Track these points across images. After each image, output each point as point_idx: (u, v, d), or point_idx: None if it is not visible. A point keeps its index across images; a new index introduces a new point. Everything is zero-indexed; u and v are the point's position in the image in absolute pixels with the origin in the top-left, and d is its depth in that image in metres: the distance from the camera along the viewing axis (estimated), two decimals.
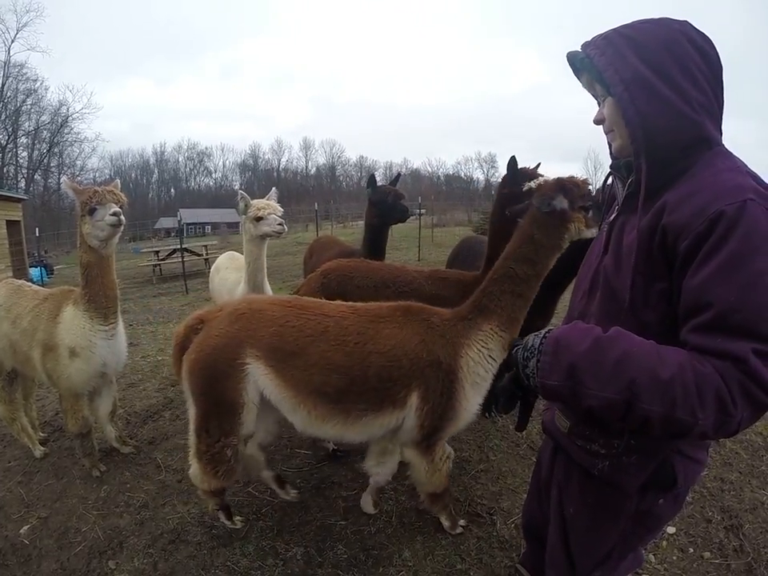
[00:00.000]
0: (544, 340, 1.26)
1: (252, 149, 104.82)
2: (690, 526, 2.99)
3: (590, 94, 1.46)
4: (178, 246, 14.11)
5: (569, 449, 1.53)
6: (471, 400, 2.26)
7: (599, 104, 1.42)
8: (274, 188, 4.04)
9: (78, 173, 45.76)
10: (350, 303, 2.47)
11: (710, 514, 3.09)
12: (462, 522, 2.89)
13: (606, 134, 1.43)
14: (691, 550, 2.81)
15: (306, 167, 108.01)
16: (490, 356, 2.19)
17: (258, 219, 3.64)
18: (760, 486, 3.41)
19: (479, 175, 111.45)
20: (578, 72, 1.43)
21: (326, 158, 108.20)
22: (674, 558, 2.75)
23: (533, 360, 1.27)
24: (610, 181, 1.58)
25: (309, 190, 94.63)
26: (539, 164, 3.18)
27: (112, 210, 2.93)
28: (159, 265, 15.00)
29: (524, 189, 2.62)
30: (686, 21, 1.28)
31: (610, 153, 1.47)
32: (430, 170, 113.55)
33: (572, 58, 1.40)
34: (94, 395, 3.48)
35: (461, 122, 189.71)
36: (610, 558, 1.57)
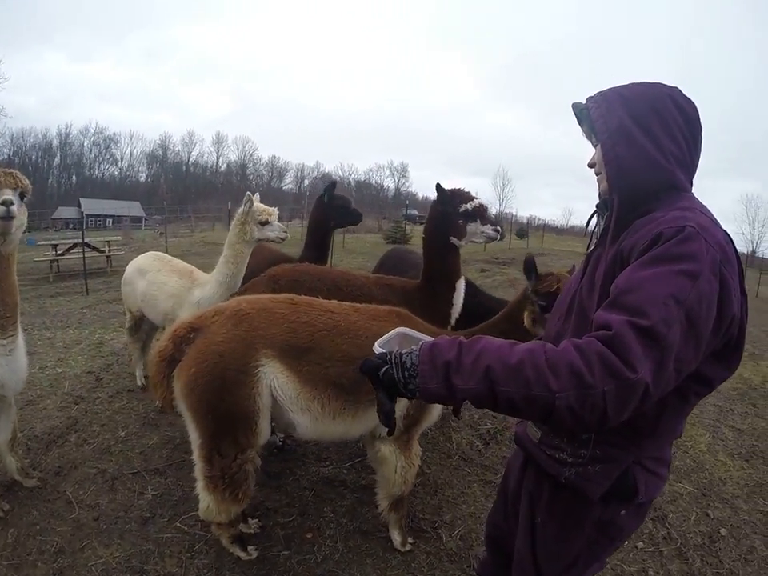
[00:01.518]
0: (417, 353, 1.30)
1: (162, 139, 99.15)
2: None
3: (589, 141, 1.63)
4: (79, 240, 12.85)
5: (539, 458, 1.59)
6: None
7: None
8: (257, 193, 4.00)
9: None
10: (347, 303, 2.58)
11: None
12: (410, 539, 2.86)
13: (596, 176, 1.58)
14: (626, 542, 2.95)
15: (217, 163, 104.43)
16: None
17: (264, 223, 3.79)
18: (676, 479, 3.85)
19: (390, 183, 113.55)
20: (579, 121, 1.62)
21: (237, 154, 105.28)
22: None
23: (408, 364, 1.30)
24: (594, 219, 1.71)
25: (218, 187, 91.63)
26: (481, 203, 3.43)
27: (2, 199, 2.44)
28: (57, 260, 13.56)
29: (461, 210, 3.23)
30: (676, 87, 1.46)
31: (599, 194, 1.61)
32: (341, 174, 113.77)
33: (575, 109, 1.60)
34: None
35: (377, 130, 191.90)
36: (576, 566, 1.63)
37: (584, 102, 1.55)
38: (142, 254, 4.89)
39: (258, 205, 3.82)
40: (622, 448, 1.41)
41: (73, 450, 3.75)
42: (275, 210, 3.90)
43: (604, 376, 1.10)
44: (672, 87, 1.45)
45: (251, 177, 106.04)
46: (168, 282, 4.19)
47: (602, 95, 1.49)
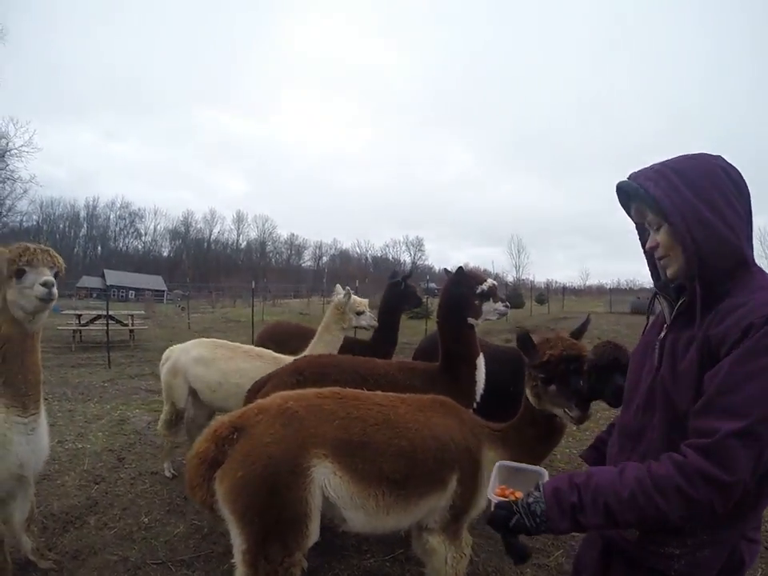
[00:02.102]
0: (542, 501, 1.42)
1: (185, 216, 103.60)
2: None
3: (634, 221, 1.64)
4: (103, 312, 12.96)
5: (639, 555, 1.56)
6: (485, 490, 2.31)
7: (641, 231, 1.65)
8: (347, 287, 4.64)
9: (5, 213, 42.19)
10: (392, 394, 2.59)
11: None
12: None
13: (659, 259, 1.55)
14: None
15: (237, 240, 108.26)
16: None
17: (360, 313, 4.57)
18: None
19: (406, 258, 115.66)
20: (626, 201, 1.60)
21: (257, 232, 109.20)
22: None
23: (537, 512, 1.42)
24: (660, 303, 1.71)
25: (238, 264, 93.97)
26: (494, 282, 3.62)
27: (43, 279, 2.41)
28: (80, 330, 13.67)
29: (477, 291, 3.39)
30: (720, 156, 1.48)
31: (656, 276, 1.65)
32: (358, 251, 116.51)
33: (625, 187, 1.55)
34: (8, 499, 2.76)
35: (391, 207, 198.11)
36: None
37: (629, 179, 1.53)
38: (189, 343, 4.74)
39: (354, 297, 4.49)
40: (729, 527, 1.40)
41: (92, 533, 3.48)
42: (366, 302, 4.70)
43: (706, 489, 1.23)
44: (717, 157, 1.47)
45: (270, 254, 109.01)
46: (250, 368, 4.08)
47: (658, 173, 1.47)
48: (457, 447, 2.33)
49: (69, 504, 3.86)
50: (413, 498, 2.26)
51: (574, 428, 6.61)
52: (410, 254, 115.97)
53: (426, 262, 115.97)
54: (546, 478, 1.70)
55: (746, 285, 1.37)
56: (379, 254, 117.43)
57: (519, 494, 1.63)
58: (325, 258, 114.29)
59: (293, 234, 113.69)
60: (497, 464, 1.85)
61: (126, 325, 14.44)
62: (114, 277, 61.05)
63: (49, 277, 2.44)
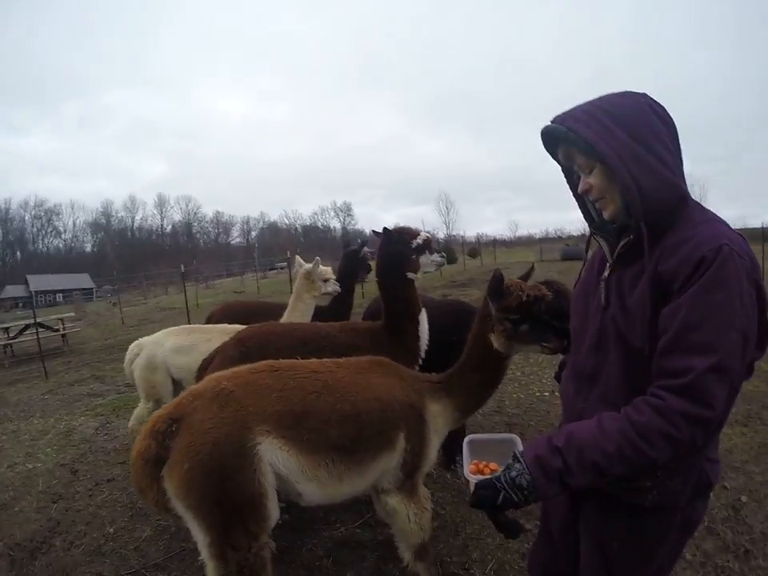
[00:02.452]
0: (527, 472, 1.39)
1: (104, 206, 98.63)
2: None
3: (561, 164, 1.62)
4: (31, 321, 12.21)
5: (611, 493, 1.57)
6: (434, 445, 2.47)
7: (568, 175, 1.63)
8: (317, 258, 4.84)
9: None
10: (328, 360, 2.52)
11: None
12: None
13: (594, 202, 1.55)
14: None
15: (162, 225, 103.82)
16: (447, 418, 2.51)
17: (326, 280, 4.82)
18: None
19: (336, 224, 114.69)
20: (552, 145, 1.57)
21: (182, 214, 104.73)
22: None
23: (524, 485, 1.39)
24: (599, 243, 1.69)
25: (165, 249, 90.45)
26: (428, 235, 3.66)
27: None
28: (11, 344, 12.90)
29: (413, 246, 3.42)
30: (645, 93, 1.47)
31: (589, 219, 1.64)
32: (287, 221, 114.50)
33: (552, 131, 1.51)
34: None
35: (316, 174, 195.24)
36: (663, 571, 1.67)
37: (555, 122, 1.49)
38: (158, 334, 4.64)
39: (321, 267, 4.77)
40: (695, 453, 1.44)
41: (60, 555, 3.43)
42: (330, 269, 4.98)
43: (690, 429, 1.27)
44: (644, 94, 1.47)
45: (198, 235, 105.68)
46: None
47: (586, 113, 1.44)
48: (400, 405, 2.33)
49: (31, 530, 3.78)
50: (364, 462, 2.24)
51: (518, 373, 7.01)
52: (340, 220, 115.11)
53: (357, 227, 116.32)
54: (519, 444, 1.70)
55: (688, 219, 1.40)
56: (308, 223, 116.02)
57: (494, 466, 1.63)
58: (254, 233, 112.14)
59: (218, 212, 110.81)
60: (465, 439, 1.83)
61: (57, 330, 13.72)
62: (37, 282, 58.00)
63: None
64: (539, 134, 1.56)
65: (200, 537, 2.04)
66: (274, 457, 2.05)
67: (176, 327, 4.75)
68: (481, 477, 1.53)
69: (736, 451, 4.03)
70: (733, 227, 1.42)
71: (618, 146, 1.37)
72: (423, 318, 3.51)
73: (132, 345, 4.73)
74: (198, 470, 1.94)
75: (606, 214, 1.53)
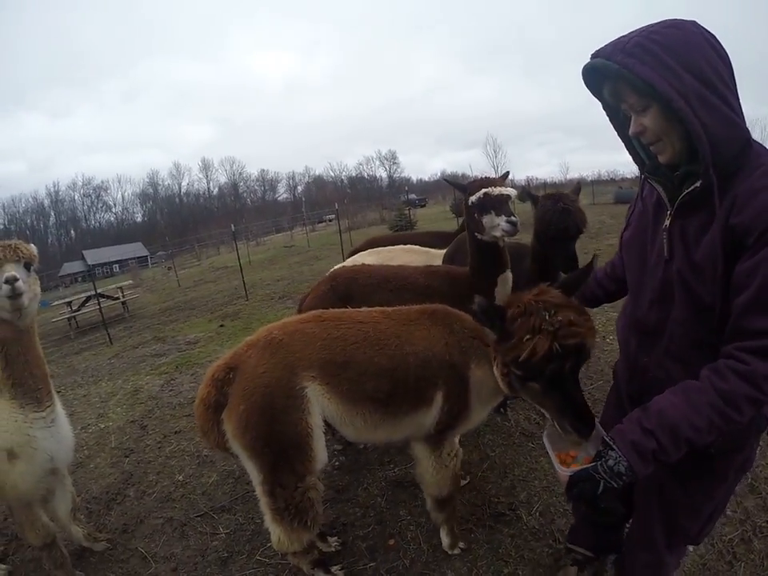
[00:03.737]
0: (623, 458, 1.37)
1: (150, 176, 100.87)
2: None
3: (605, 103, 1.49)
4: (92, 293, 12.83)
5: None
6: (477, 411, 2.38)
7: (612, 116, 1.52)
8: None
9: None
10: (378, 308, 2.50)
11: None
12: (461, 544, 2.75)
13: (649, 145, 1.43)
14: None
15: (209, 188, 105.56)
16: (493, 388, 2.18)
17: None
18: None
19: (382, 173, 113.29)
20: (596, 82, 1.43)
21: (227, 176, 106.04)
22: None
23: (623, 471, 1.38)
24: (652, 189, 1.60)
25: (214, 212, 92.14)
26: (507, 173, 3.27)
27: (4, 277, 2.37)
28: (75, 317, 13.63)
29: (470, 203, 2.97)
30: (695, 21, 1.32)
31: (640, 161, 1.56)
32: (332, 174, 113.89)
33: (601, 68, 1.35)
34: (48, 496, 2.91)
35: (362, 126, 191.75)
36: (717, 510, 1.72)
37: (601, 57, 1.33)
38: (348, 261, 4.62)
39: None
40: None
41: (134, 504, 3.71)
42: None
43: None
44: (697, 24, 1.32)
45: (244, 194, 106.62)
46: (417, 260, 4.15)
47: (639, 47, 1.28)
48: (439, 363, 2.26)
49: (106, 483, 4.08)
50: (399, 415, 2.29)
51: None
52: (386, 169, 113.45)
53: (403, 175, 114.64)
54: (601, 428, 1.57)
55: (756, 164, 1.30)
56: (354, 174, 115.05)
57: (574, 453, 1.60)
58: (300, 188, 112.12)
59: (263, 170, 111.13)
60: (544, 435, 1.70)
61: (117, 298, 14.40)
62: (94, 255, 60.07)
63: (9, 273, 2.39)
64: (581, 71, 1.42)
65: (254, 475, 2.21)
66: (320, 400, 2.17)
67: (362, 252, 4.77)
68: (575, 469, 1.47)
69: None
70: None
71: (681, 86, 1.24)
72: (505, 278, 3.15)
73: (334, 268, 4.69)
74: (252, 410, 2.09)
75: (662, 158, 1.43)
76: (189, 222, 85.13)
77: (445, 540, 2.71)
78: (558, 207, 2.92)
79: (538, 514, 2.94)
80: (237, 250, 15.50)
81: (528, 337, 1.55)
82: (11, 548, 3.37)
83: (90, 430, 5.39)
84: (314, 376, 2.15)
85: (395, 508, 3.14)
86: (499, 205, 2.87)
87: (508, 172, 3.23)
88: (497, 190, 2.89)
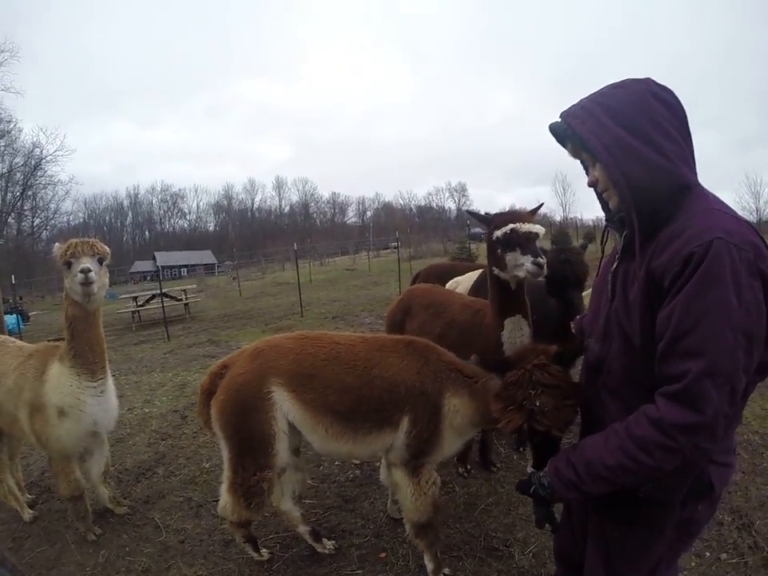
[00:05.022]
0: (546, 477, 1.60)
1: (226, 189, 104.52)
2: (704, 531, 2.92)
3: (576, 159, 1.59)
4: (157, 291, 13.79)
5: None
6: (451, 438, 2.49)
7: (586, 168, 1.57)
8: None
9: (51, 216, 45.15)
10: (361, 334, 2.74)
11: (721, 516, 3.14)
12: (446, 571, 2.77)
13: (601, 194, 1.54)
14: (708, 554, 2.86)
15: (280, 206, 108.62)
16: (468, 418, 2.43)
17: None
18: (764, 482, 3.52)
19: (451, 204, 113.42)
20: (561, 140, 1.56)
21: (299, 195, 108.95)
22: (693, 564, 2.80)
23: (546, 484, 1.60)
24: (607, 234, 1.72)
25: (283, 229, 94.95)
26: (541, 204, 3.07)
27: (80, 267, 2.80)
28: (138, 311, 14.61)
29: (494, 238, 2.76)
30: (648, 78, 1.42)
31: (606, 209, 1.60)
32: (402, 202, 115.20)
33: (555, 129, 1.53)
34: (86, 455, 3.30)
35: (434, 155, 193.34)
36: (659, 570, 1.65)
37: (560, 117, 1.49)
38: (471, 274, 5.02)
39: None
40: (704, 457, 1.40)
41: (161, 481, 4.03)
42: None
43: (686, 436, 1.26)
44: (646, 80, 1.41)
45: (314, 215, 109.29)
46: None
47: (583, 109, 1.43)
48: (408, 389, 2.41)
49: (140, 459, 4.44)
50: (360, 431, 2.46)
51: None
52: (455, 201, 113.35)
53: (472, 207, 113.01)
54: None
55: (687, 209, 1.33)
56: (423, 203, 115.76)
57: None
58: (369, 213, 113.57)
59: (334, 193, 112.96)
60: None
61: (180, 300, 15.28)
62: (164, 257, 63.58)
63: (85, 264, 2.82)
64: (548, 129, 1.57)
65: (224, 452, 2.59)
66: (285, 405, 2.48)
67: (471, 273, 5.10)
68: (531, 470, 1.72)
69: None
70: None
71: (610, 142, 1.35)
72: (513, 325, 2.92)
73: (450, 282, 5.16)
74: (228, 401, 2.50)
75: (611, 205, 1.52)
76: (258, 236, 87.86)
77: (428, 565, 2.71)
78: (560, 258, 3.12)
79: (531, 554, 2.92)
80: (297, 267, 16.13)
81: (510, 408, 1.69)
82: (41, 498, 3.82)
83: (135, 413, 5.82)
84: (281, 383, 2.47)
85: (394, 525, 3.25)
86: (526, 243, 2.65)
87: (541, 204, 3.03)
88: (525, 227, 2.65)
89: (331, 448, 2.59)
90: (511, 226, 2.67)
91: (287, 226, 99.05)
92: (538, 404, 1.63)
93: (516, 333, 2.91)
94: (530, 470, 1.74)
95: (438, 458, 2.56)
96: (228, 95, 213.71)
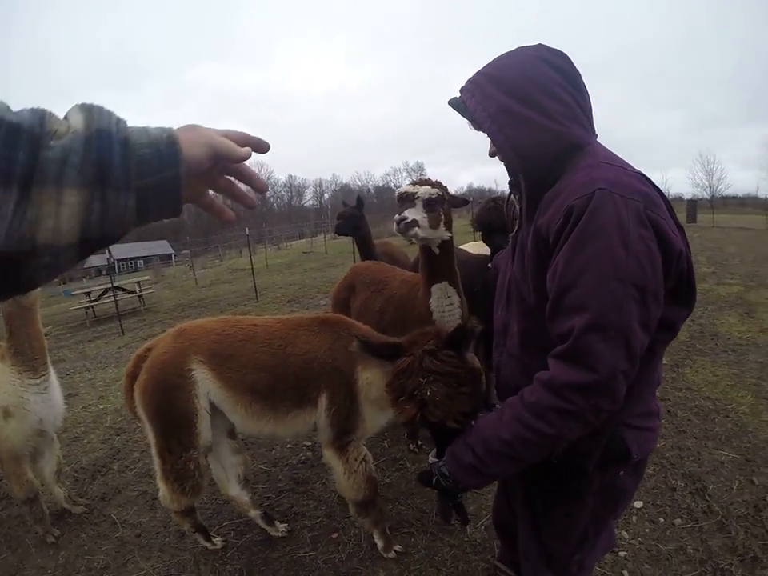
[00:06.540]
0: (446, 465, 1.49)
1: None
2: (656, 497, 3.15)
3: (480, 132, 1.53)
4: (110, 285, 13.53)
5: None
6: (371, 412, 2.49)
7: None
8: None
9: None
10: (280, 316, 2.76)
11: (674, 482, 3.27)
12: (397, 548, 2.84)
13: (503, 162, 1.51)
14: (662, 520, 2.94)
15: None
16: (382, 390, 2.07)
17: None
18: (716, 446, 3.65)
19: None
20: (464, 115, 1.51)
21: None
22: (647, 530, 2.87)
23: (446, 474, 1.49)
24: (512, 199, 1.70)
25: (239, 214, 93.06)
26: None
27: None
28: (92, 306, 14.19)
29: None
30: (539, 44, 1.40)
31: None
32: (359, 183, 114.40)
33: (453, 105, 1.49)
34: (36, 456, 3.28)
35: (396, 137, 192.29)
36: (587, 539, 1.65)
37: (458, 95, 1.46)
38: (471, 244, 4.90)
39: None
40: (608, 418, 1.33)
41: (116, 476, 4.04)
42: None
43: (581, 396, 1.19)
44: (536, 47, 1.39)
45: (271, 199, 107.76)
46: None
47: (473, 83, 1.41)
48: (321, 365, 2.44)
49: (95, 457, 4.42)
50: (280, 410, 2.48)
51: None
52: (412, 180, 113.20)
53: None
54: None
55: (575, 166, 1.32)
56: (380, 184, 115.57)
57: None
58: (326, 195, 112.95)
59: (291, 176, 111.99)
60: None
61: (134, 292, 14.91)
62: (119, 250, 61.42)
63: None
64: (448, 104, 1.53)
65: (150, 436, 2.58)
66: (206, 384, 2.48)
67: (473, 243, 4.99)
68: (431, 461, 1.62)
69: None
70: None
71: (493, 109, 1.33)
72: (438, 290, 2.88)
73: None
74: (150, 381, 2.48)
75: (509, 173, 1.54)
76: (215, 222, 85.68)
77: (378, 543, 2.80)
78: (488, 205, 3.30)
79: (483, 527, 2.98)
80: (251, 253, 16.19)
81: (402, 398, 1.62)
82: (0, 505, 3.75)
83: (90, 410, 5.75)
84: (202, 361, 2.47)
85: (346, 506, 3.25)
86: (401, 203, 2.67)
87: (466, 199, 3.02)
88: (401, 189, 2.70)
89: (253, 428, 2.58)
90: (398, 190, 2.73)
91: (244, 212, 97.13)
92: (428, 393, 1.55)
93: (443, 300, 2.89)
94: (431, 459, 1.61)
95: (363, 434, 2.57)
96: (187, 81, 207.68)
